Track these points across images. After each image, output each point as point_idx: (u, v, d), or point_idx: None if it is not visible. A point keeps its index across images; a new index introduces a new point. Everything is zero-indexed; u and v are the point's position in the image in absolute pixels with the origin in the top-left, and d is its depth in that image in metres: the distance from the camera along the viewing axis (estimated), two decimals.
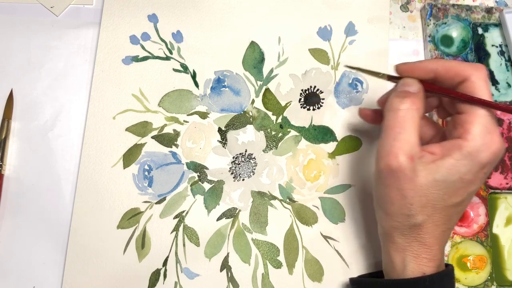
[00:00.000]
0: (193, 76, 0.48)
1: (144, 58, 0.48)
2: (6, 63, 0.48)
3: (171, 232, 0.44)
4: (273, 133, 0.47)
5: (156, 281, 0.43)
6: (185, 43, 0.49)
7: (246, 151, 0.47)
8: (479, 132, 0.34)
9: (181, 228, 0.45)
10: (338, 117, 0.48)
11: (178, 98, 0.47)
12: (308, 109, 0.48)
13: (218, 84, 0.48)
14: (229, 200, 0.45)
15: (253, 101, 0.48)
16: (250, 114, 0.47)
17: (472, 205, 0.46)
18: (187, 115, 0.47)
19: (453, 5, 0.50)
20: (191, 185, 0.45)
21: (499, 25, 0.50)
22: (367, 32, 0.50)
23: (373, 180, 0.37)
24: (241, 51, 0.49)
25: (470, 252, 0.45)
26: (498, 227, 0.46)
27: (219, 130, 0.47)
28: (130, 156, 0.46)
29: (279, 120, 0.47)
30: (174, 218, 0.45)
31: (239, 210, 0.45)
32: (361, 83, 0.48)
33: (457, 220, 0.37)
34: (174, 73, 0.48)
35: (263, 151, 0.47)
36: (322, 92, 0.48)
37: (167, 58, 0.48)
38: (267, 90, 0.48)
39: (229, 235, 0.45)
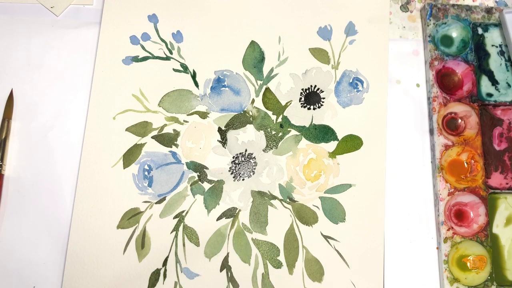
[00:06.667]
0: (193, 76, 0.48)
1: (144, 58, 0.48)
2: (6, 63, 0.48)
3: (171, 232, 0.44)
4: (273, 132, 0.47)
5: (156, 281, 0.43)
6: (185, 43, 0.49)
7: (246, 150, 0.47)
8: None
9: (181, 228, 0.44)
10: (338, 116, 0.48)
11: (178, 98, 0.47)
12: (309, 109, 0.48)
13: (218, 83, 0.48)
14: (229, 200, 0.45)
15: (253, 101, 0.48)
16: (250, 113, 0.47)
17: (472, 205, 0.46)
18: (187, 115, 0.47)
19: (453, 5, 0.51)
20: (191, 185, 0.45)
21: (499, 25, 0.50)
22: (367, 32, 0.50)
23: None
24: (241, 51, 0.49)
25: (470, 252, 0.45)
26: (498, 227, 0.46)
27: (219, 129, 0.47)
28: (130, 156, 0.46)
29: (279, 120, 0.47)
30: (174, 218, 0.45)
31: (239, 210, 0.45)
32: (362, 82, 0.49)
33: None
34: (174, 73, 0.48)
35: (263, 150, 0.47)
36: (322, 91, 0.48)
37: (167, 58, 0.48)
38: (267, 89, 0.48)
39: (229, 235, 0.45)
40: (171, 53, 0.48)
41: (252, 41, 0.49)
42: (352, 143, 0.47)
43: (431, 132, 0.48)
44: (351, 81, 0.49)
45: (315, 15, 0.50)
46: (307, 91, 0.48)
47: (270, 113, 0.48)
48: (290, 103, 0.48)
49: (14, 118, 0.47)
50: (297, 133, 0.47)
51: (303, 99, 0.48)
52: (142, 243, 0.44)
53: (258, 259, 0.44)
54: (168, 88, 0.48)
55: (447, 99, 0.48)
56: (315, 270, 0.44)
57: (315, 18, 0.50)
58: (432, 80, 0.49)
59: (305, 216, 0.45)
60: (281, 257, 0.45)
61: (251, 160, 0.46)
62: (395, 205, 0.47)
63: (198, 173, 0.46)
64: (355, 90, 0.48)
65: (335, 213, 0.46)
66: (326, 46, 0.49)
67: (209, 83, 0.48)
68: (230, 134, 0.47)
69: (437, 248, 0.46)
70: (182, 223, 0.45)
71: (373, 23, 0.50)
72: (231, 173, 0.46)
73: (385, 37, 0.50)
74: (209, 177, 0.46)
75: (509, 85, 0.49)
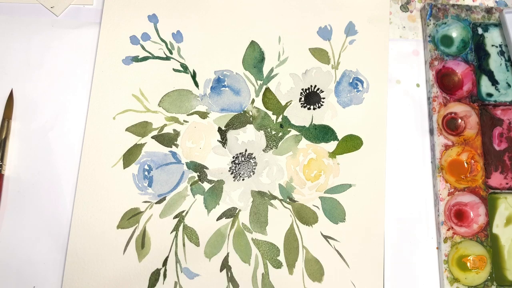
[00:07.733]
0: (193, 76, 0.48)
1: (144, 58, 0.48)
2: (6, 63, 0.48)
3: (171, 232, 0.44)
4: (273, 132, 0.47)
5: (156, 281, 0.43)
6: (185, 43, 0.49)
7: (246, 150, 0.47)
8: None
9: (181, 228, 0.44)
10: (338, 116, 0.48)
11: (178, 98, 0.47)
12: (309, 108, 0.48)
13: (218, 83, 0.48)
14: (229, 200, 0.45)
15: (253, 101, 0.48)
16: (250, 113, 0.47)
17: (472, 205, 0.46)
18: (187, 115, 0.47)
19: (453, 5, 0.51)
20: (191, 185, 0.45)
21: (499, 25, 0.50)
22: (367, 32, 0.50)
23: None
24: (241, 51, 0.49)
25: (470, 252, 0.45)
26: (498, 227, 0.46)
27: (219, 129, 0.47)
28: (130, 156, 0.46)
29: (279, 120, 0.47)
30: (174, 218, 0.45)
31: (239, 210, 0.45)
32: (362, 82, 0.49)
33: None
34: (174, 73, 0.48)
35: (263, 150, 0.47)
36: (322, 91, 0.48)
37: (167, 58, 0.48)
38: (267, 89, 0.48)
39: (229, 235, 0.45)
40: (171, 53, 0.48)
41: (252, 41, 0.49)
42: (352, 143, 0.47)
43: (431, 132, 0.48)
44: (351, 81, 0.49)
45: (315, 15, 0.50)
46: (307, 91, 0.48)
47: (270, 113, 0.48)
48: (290, 103, 0.48)
49: (14, 118, 0.47)
50: (297, 133, 0.47)
51: (303, 99, 0.48)
52: (142, 243, 0.44)
53: (258, 259, 0.44)
54: (168, 88, 0.48)
55: (447, 99, 0.48)
56: (315, 270, 0.44)
57: (315, 18, 0.50)
58: (432, 80, 0.49)
59: (305, 216, 0.45)
60: (281, 257, 0.45)
61: (251, 160, 0.46)
62: (395, 205, 0.47)
63: (198, 173, 0.46)
64: (355, 90, 0.48)
65: (335, 213, 0.46)
66: (326, 46, 0.49)
67: (209, 83, 0.48)
68: (230, 134, 0.47)
69: (437, 248, 0.46)
70: (182, 223, 0.45)
71: (373, 23, 0.50)
72: (231, 173, 0.46)
73: (385, 37, 0.50)
74: (209, 177, 0.46)
75: (509, 85, 0.49)
